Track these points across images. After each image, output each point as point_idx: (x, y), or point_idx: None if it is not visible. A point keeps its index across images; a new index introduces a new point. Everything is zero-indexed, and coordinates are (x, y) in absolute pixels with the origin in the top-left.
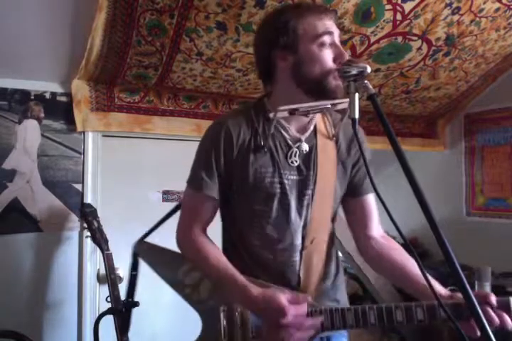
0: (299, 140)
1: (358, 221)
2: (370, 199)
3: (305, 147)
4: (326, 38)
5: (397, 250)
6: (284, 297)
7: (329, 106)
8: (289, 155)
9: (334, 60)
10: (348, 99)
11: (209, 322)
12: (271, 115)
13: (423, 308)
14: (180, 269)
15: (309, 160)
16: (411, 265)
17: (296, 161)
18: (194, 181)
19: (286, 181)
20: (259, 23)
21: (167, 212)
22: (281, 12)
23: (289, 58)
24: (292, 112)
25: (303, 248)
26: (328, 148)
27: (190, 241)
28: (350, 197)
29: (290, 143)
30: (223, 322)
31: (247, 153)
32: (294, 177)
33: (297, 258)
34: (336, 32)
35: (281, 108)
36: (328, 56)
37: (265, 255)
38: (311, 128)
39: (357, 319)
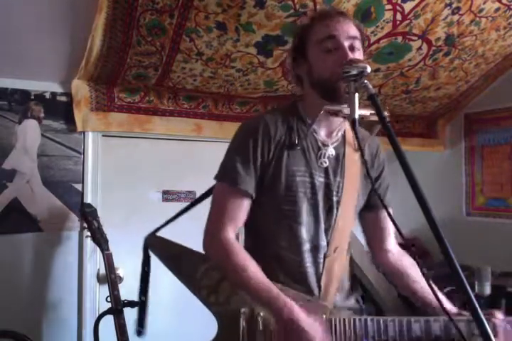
0: (327, 144)
1: (375, 235)
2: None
3: (331, 152)
4: (329, 43)
5: (414, 266)
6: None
7: (368, 114)
8: (318, 155)
9: (339, 63)
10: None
11: (226, 324)
12: (308, 120)
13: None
14: (199, 269)
15: (337, 166)
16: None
17: (326, 162)
18: (228, 175)
19: (316, 182)
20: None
21: (183, 208)
22: (302, 23)
23: (303, 66)
24: (333, 113)
25: (326, 253)
26: (355, 160)
27: (221, 245)
28: (368, 211)
29: (320, 144)
30: (243, 325)
31: (281, 151)
32: (322, 180)
33: (321, 260)
34: (343, 33)
35: (327, 107)
36: (331, 61)
37: (291, 257)
38: (339, 136)
39: (378, 329)
